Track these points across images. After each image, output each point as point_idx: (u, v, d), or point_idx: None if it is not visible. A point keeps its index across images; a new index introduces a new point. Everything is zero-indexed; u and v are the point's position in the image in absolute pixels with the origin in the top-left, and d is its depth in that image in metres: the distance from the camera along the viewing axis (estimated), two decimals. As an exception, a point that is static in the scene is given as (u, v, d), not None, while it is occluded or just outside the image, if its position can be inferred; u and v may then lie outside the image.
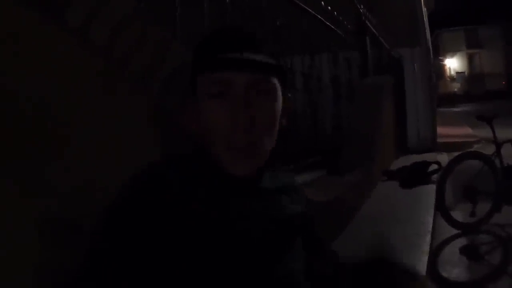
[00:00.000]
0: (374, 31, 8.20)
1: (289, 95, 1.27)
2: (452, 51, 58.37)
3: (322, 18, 5.38)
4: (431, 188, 6.05)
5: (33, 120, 1.35)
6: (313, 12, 5.06)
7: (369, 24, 7.78)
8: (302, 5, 4.67)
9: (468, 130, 16.91)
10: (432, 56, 13.41)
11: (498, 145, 6.07)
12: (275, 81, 1.19)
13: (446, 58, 58.49)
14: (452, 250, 5.08)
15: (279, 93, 1.20)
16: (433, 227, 4.82)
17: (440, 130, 13.39)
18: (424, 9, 13.79)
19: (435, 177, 6.67)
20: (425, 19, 13.80)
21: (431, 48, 13.47)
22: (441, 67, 56.30)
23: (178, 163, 1.20)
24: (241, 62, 1.12)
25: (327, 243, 1.52)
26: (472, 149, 11.02)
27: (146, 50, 1.83)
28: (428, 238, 4.04)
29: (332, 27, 5.84)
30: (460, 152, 6.58)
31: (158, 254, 1.02)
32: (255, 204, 1.21)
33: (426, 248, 3.77)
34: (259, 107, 1.13)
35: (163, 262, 1.02)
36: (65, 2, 1.49)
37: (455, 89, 55.67)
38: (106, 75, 1.64)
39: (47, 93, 1.40)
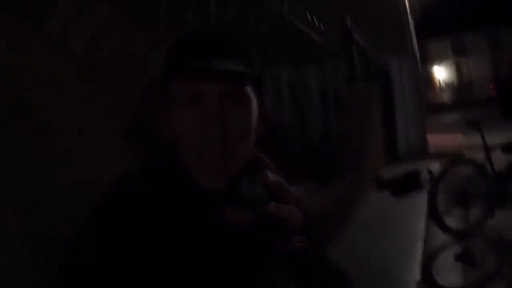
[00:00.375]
0: (360, 40, 8.22)
1: (266, 101, 1.23)
2: (439, 60, 58.73)
3: (306, 29, 5.37)
4: (423, 196, 6.03)
5: (11, 126, 1.33)
6: (298, 23, 5.05)
7: (355, 34, 7.79)
8: (286, 16, 4.66)
9: (458, 138, 16.95)
10: (419, 64, 13.47)
11: (488, 150, 6.08)
12: (248, 89, 1.14)
13: (433, 66, 58.85)
14: (446, 256, 5.07)
15: (253, 101, 1.16)
16: (427, 234, 4.81)
17: (430, 137, 13.41)
18: (410, 18, 13.87)
19: (426, 184, 6.67)
20: (412, 27, 13.88)
21: (418, 55, 13.53)
22: (429, 76, 56.63)
23: (151, 174, 1.17)
24: (212, 72, 1.07)
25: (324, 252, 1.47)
26: (463, 156, 11.05)
27: (127, 57, 1.81)
28: (419, 244, 4.01)
29: (317, 37, 5.83)
30: (451, 159, 6.59)
31: (130, 274, 1.00)
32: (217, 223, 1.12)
33: (418, 254, 3.74)
34: (232, 117, 1.09)
35: (135, 281, 1.00)
36: (44, 10, 1.47)
37: (445, 98, 55.96)
38: (84, 82, 1.62)
39: (27, 99, 1.39)
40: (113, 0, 1.80)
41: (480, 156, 6.27)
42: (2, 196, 1.27)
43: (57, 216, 1.42)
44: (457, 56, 58.66)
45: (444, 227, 5.54)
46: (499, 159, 6.11)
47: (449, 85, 58.46)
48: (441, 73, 59.85)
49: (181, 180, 1.13)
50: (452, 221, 5.76)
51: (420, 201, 5.98)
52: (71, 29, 1.56)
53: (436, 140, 14.94)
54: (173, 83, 1.13)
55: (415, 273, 3.37)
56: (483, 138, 6.13)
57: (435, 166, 8.56)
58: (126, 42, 1.82)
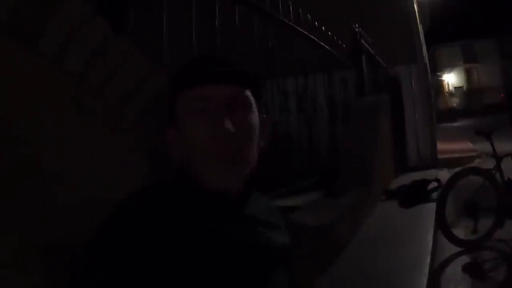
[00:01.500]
0: (370, 49, 8.19)
1: (265, 116, 1.29)
2: (450, 67, 58.54)
3: (315, 39, 5.36)
4: (432, 206, 5.99)
5: (7, 149, 1.33)
6: (307, 33, 5.04)
7: (364, 43, 7.77)
8: (295, 26, 4.65)
9: (468, 145, 16.88)
10: (429, 73, 13.42)
11: (498, 159, 6.04)
12: (249, 94, 1.22)
13: (443, 73, 58.67)
14: (455, 269, 5.03)
15: (254, 106, 1.24)
16: (435, 246, 4.77)
17: (440, 146, 13.35)
18: (420, 26, 13.83)
19: (435, 194, 6.63)
20: (422, 36, 13.84)
21: (428, 64, 13.48)
22: (439, 83, 56.45)
23: (161, 191, 1.19)
24: (216, 74, 1.16)
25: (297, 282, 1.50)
26: (472, 165, 10.99)
27: (124, 76, 1.80)
28: (427, 259, 3.98)
29: (327, 47, 5.82)
30: (460, 168, 6.55)
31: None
32: (238, 231, 1.20)
33: (425, 270, 3.71)
34: (238, 119, 1.16)
35: None
36: (39, 29, 1.47)
37: (454, 104, 55.73)
38: (81, 103, 1.62)
39: (20, 120, 1.38)
40: (112, 19, 1.80)
41: (489, 165, 6.23)
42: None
43: (64, 233, 1.43)
44: (467, 63, 58.49)
45: (452, 238, 5.50)
46: (510, 168, 6.07)
47: (459, 92, 58.30)
48: (451, 80, 59.68)
49: (191, 193, 1.17)
50: (460, 232, 5.73)
51: (429, 212, 5.94)
52: (67, 49, 1.56)
53: (446, 148, 14.89)
54: (181, 97, 1.20)
55: (423, 286, 3.34)
56: (493, 147, 6.09)
57: (445, 175, 8.53)
58: (125, 62, 1.82)
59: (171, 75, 1.28)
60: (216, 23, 2.94)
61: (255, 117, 1.22)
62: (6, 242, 1.28)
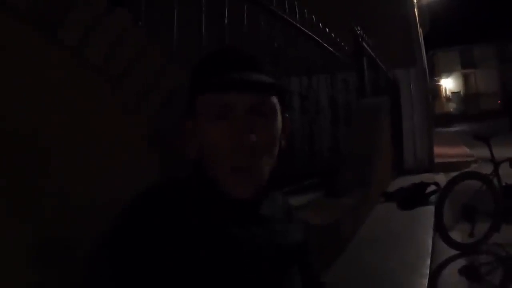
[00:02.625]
0: (371, 52, 8.22)
1: (287, 115, 1.29)
2: (447, 71, 58.55)
3: (319, 40, 5.38)
4: (430, 209, 6.02)
5: (24, 138, 1.33)
6: (311, 34, 5.06)
7: (366, 46, 7.80)
8: (300, 26, 4.68)
9: (465, 150, 16.90)
10: (428, 77, 13.44)
11: (496, 164, 6.07)
12: (275, 101, 1.20)
13: (441, 78, 58.67)
14: (452, 271, 5.05)
15: (279, 113, 1.21)
16: (432, 248, 4.79)
17: (437, 150, 13.36)
18: (419, 30, 13.85)
19: (433, 198, 6.66)
20: (421, 40, 13.86)
21: (427, 68, 13.50)
22: (437, 87, 56.45)
23: (175, 189, 1.18)
24: (242, 83, 1.13)
25: (318, 275, 1.50)
26: (470, 169, 11.01)
27: (142, 69, 1.81)
28: (427, 261, 4.01)
29: (330, 48, 5.84)
30: (458, 172, 6.58)
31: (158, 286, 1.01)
32: (254, 231, 1.20)
33: (425, 271, 3.74)
34: (260, 129, 1.14)
35: None
36: (59, 19, 1.48)
37: (451, 109, 55.76)
38: (101, 94, 1.63)
39: (40, 110, 1.38)
40: (130, 9, 1.82)
41: (485, 170, 6.26)
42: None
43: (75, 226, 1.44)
44: (466, 68, 58.49)
45: (449, 241, 5.52)
46: (507, 173, 6.10)
47: (456, 96, 58.32)
48: (449, 84, 59.68)
49: (207, 194, 1.17)
50: (457, 235, 5.75)
51: (427, 214, 5.97)
52: (87, 40, 1.57)
53: (442, 152, 14.91)
54: (202, 98, 1.17)
55: (423, 287, 3.36)
56: (491, 152, 6.10)
57: (442, 179, 8.56)
58: (142, 53, 1.83)
59: (190, 69, 1.26)
60: (225, 21, 2.96)
61: (277, 123, 1.20)
62: (16, 238, 1.28)
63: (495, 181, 6.01)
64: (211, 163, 1.15)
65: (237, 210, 1.17)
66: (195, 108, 1.19)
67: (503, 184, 6.04)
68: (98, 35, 1.61)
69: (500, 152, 6.47)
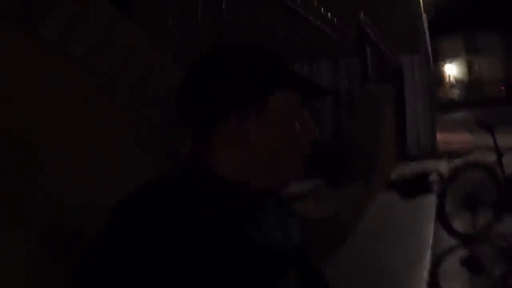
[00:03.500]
0: (374, 38, 8.16)
1: None
2: (451, 57, 58.43)
3: (321, 25, 5.32)
4: (432, 199, 6.00)
5: (15, 134, 1.30)
6: (313, 19, 5.00)
7: (369, 32, 7.74)
8: (302, 11, 4.61)
9: (468, 137, 16.85)
10: (432, 63, 13.38)
11: (499, 154, 6.01)
12: None
13: (445, 64, 58.58)
14: (453, 261, 5.02)
15: None
16: (434, 238, 4.77)
17: (440, 136, 13.33)
18: (424, 16, 13.77)
19: (435, 187, 6.63)
20: (425, 26, 13.79)
21: (430, 55, 13.44)
22: (440, 74, 56.38)
23: (173, 186, 1.14)
24: (323, 88, 1.34)
25: (321, 273, 1.49)
26: (472, 158, 10.99)
27: (132, 63, 1.77)
28: (428, 252, 3.99)
29: (332, 34, 5.79)
30: (460, 161, 6.55)
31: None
32: (253, 234, 1.17)
33: (426, 263, 3.72)
34: None
35: None
36: (42, 15, 1.44)
37: (455, 96, 55.71)
38: (86, 89, 1.59)
39: (27, 107, 1.35)
40: (117, 2, 1.77)
41: (490, 158, 6.21)
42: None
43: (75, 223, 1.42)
44: (470, 54, 58.35)
45: (451, 231, 5.49)
46: (510, 162, 6.05)
47: (460, 83, 58.23)
48: (452, 71, 59.58)
49: (217, 191, 1.15)
50: (459, 225, 5.72)
51: (430, 204, 5.94)
52: (71, 34, 1.53)
53: (446, 139, 14.87)
54: (281, 95, 1.21)
55: (423, 283, 3.34)
56: (494, 141, 6.05)
57: (444, 166, 8.53)
58: (131, 46, 1.78)
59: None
60: (223, 5, 2.91)
61: None
62: (15, 238, 1.27)
63: (498, 170, 5.96)
64: (280, 151, 1.19)
65: (239, 207, 1.17)
66: (264, 105, 1.18)
67: (506, 174, 5.99)
68: (82, 28, 1.57)
69: (504, 141, 6.42)
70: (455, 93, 56.89)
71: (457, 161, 6.55)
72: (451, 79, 59.28)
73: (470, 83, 57.48)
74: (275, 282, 1.19)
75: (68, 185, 1.44)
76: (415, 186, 6.70)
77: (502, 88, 51.16)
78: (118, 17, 1.75)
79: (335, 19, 5.91)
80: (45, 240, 1.34)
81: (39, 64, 1.41)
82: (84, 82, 1.57)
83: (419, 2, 13.08)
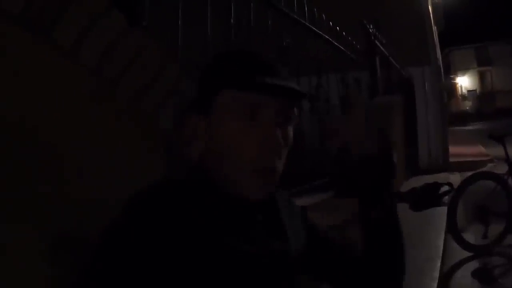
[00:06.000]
0: (384, 50, 8.16)
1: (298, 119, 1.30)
2: (463, 69, 58.40)
3: (330, 38, 5.33)
4: (443, 210, 5.97)
5: (25, 140, 1.32)
6: (321, 32, 5.02)
7: (378, 44, 7.74)
8: (309, 25, 4.63)
9: (480, 149, 16.79)
10: (442, 75, 13.36)
11: (511, 164, 6.00)
12: (296, 110, 1.20)
13: (457, 76, 58.51)
14: (464, 274, 5.01)
15: (296, 121, 1.21)
16: (445, 250, 4.76)
17: (452, 149, 13.27)
18: (434, 28, 13.77)
19: (446, 198, 6.60)
20: (436, 38, 13.79)
21: (441, 67, 13.42)
22: (452, 86, 56.27)
23: (175, 188, 1.14)
24: (278, 87, 1.12)
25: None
26: (484, 169, 10.93)
27: (141, 69, 1.79)
28: (438, 263, 3.97)
29: (340, 47, 5.80)
30: (472, 172, 6.52)
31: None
32: (257, 235, 1.17)
33: (435, 274, 3.70)
34: (283, 133, 1.15)
35: None
36: (54, 21, 1.46)
37: (467, 107, 55.58)
38: (97, 95, 1.61)
39: (37, 111, 1.37)
40: (127, 11, 1.79)
41: (502, 169, 6.19)
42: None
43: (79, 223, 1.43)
44: (481, 66, 58.29)
45: (462, 243, 5.47)
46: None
47: (472, 94, 58.16)
48: (464, 82, 59.53)
49: (215, 193, 1.14)
50: (471, 237, 5.70)
51: (440, 215, 5.92)
52: (82, 42, 1.55)
53: (457, 151, 14.81)
54: (228, 94, 1.14)
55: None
56: (506, 152, 6.04)
57: (457, 178, 8.49)
58: (140, 53, 1.81)
59: (210, 62, 1.25)
60: (232, 20, 2.93)
61: (292, 132, 1.20)
62: (25, 236, 1.28)
63: (510, 181, 5.94)
64: (229, 164, 1.13)
65: (239, 213, 1.15)
66: (212, 105, 1.16)
67: (518, 184, 5.98)
68: (93, 36, 1.59)
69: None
70: (467, 104, 56.78)
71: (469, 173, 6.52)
72: (463, 90, 59.20)
73: (482, 95, 57.38)
74: (283, 284, 1.20)
75: (75, 184, 1.47)
76: (426, 198, 6.67)
77: (514, 99, 50.93)
78: (128, 27, 1.77)
79: (343, 32, 5.92)
80: (58, 241, 1.37)
81: (52, 68, 1.44)
82: (93, 86, 1.60)
83: (430, 14, 13.07)
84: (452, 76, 56.57)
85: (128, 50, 1.75)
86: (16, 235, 1.25)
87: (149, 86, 1.84)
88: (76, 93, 1.51)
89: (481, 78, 58.39)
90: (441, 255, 4.25)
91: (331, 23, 5.34)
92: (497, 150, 6.89)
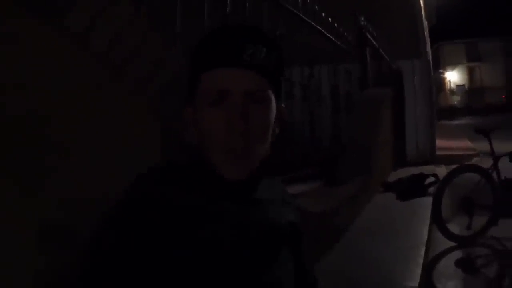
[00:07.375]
0: (374, 43, 8.22)
1: (283, 105, 1.32)
2: (452, 64, 58.34)
3: (322, 29, 5.39)
4: (428, 201, 6.06)
5: (31, 124, 1.35)
6: (313, 23, 5.07)
7: (369, 36, 7.80)
8: (302, 16, 4.69)
9: (467, 143, 16.88)
10: (432, 69, 13.41)
11: (496, 158, 6.09)
12: (270, 92, 1.22)
13: (446, 71, 58.48)
14: (448, 263, 5.08)
15: (273, 103, 1.23)
16: (429, 240, 4.82)
17: (439, 142, 13.34)
18: (425, 22, 13.81)
19: (432, 189, 6.68)
20: (426, 32, 13.82)
21: (431, 61, 13.47)
22: (441, 80, 56.27)
23: (174, 172, 1.22)
24: (240, 61, 1.15)
25: (311, 269, 1.53)
26: (470, 163, 11.02)
27: (145, 56, 1.83)
28: (422, 250, 4.05)
29: (332, 38, 5.86)
30: (458, 165, 6.61)
31: (153, 268, 1.04)
32: (247, 212, 1.23)
33: (419, 260, 3.78)
34: (254, 115, 1.16)
35: (158, 275, 1.04)
36: (66, 7, 1.50)
37: (455, 102, 55.63)
38: (105, 81, 1.65)
39: (45, 97, 1.40)
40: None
41: (487, 163, 6.28)
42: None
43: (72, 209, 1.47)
44: (471, 61, 58.26)
45: (446, 233, 5.54)
46: (506, 167, 6.13)
47: (460, 89, 58.15)
48: (453, 77, 59.48)
49: (205, 176, 1.20)
50: (455, 227, 5.77)
51: (425, 206, 6.01)
52: (93, 28, 1.59)
53: (445, 145, 14.90)
54: (204, 80, 1.18)
55: (416, 279, 3.40)
56: (491, 146, 6.12)
57: (443, 171, 8.58)
58: (145, 41, 1.85)
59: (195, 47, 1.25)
60: (227, 9, 2.99)
61: (271, 111, 1.23)
62: (22, 226, 1.32)
63: (494, 174, 6.03)
64: (207, 146, 1.18)
65: (231, 191, 1.20)
66: (196, 93, 1.21)
67: (502, 178, 6.06)
68: (103, 23, 1.62)
69: (502, 147, 6.50)
70: (456, 99, 56.80)
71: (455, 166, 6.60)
72: (452, 85, 59.17)
73: (470, 90, 57.38)
74: (270, 258, 1.25)
75: (77, 174, 1.50)
76: (412, 188, 6.75)
77: (503, 96, 51.16)
78: (134, 14, 1.82)
79: (336, 24, 5.98)
80: (51, 235, 1.39)
81: (62, 56, 1.47)
82: (99, 74, 1.63)
83: (421, 8, 13.11)
84: (441, 71, 56.55)
85: (133, 37, 1.79)
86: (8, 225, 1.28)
87: (153, 73, 1.89)
88: (82, 78, 1.54)
89: (470, 73, 58.42)
90: (425, 242, 4.33)
91: (323, 14, 5.39)
92: (484, 145, 6.96)
